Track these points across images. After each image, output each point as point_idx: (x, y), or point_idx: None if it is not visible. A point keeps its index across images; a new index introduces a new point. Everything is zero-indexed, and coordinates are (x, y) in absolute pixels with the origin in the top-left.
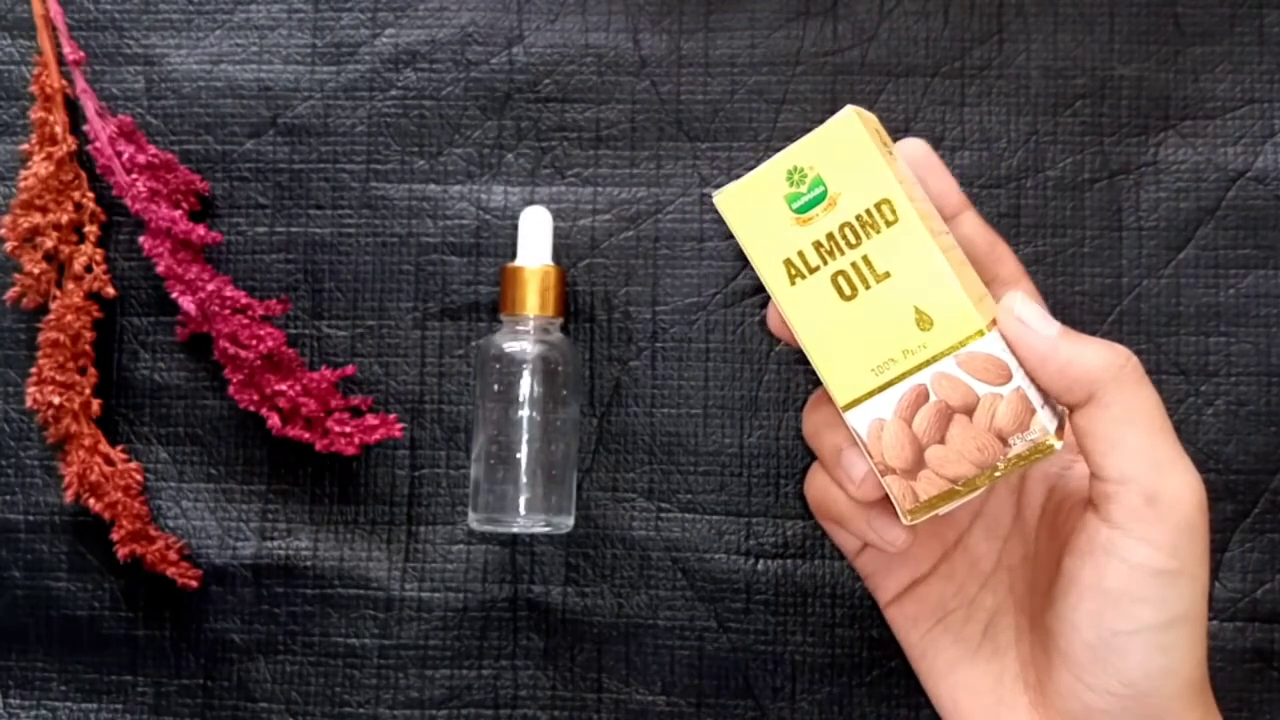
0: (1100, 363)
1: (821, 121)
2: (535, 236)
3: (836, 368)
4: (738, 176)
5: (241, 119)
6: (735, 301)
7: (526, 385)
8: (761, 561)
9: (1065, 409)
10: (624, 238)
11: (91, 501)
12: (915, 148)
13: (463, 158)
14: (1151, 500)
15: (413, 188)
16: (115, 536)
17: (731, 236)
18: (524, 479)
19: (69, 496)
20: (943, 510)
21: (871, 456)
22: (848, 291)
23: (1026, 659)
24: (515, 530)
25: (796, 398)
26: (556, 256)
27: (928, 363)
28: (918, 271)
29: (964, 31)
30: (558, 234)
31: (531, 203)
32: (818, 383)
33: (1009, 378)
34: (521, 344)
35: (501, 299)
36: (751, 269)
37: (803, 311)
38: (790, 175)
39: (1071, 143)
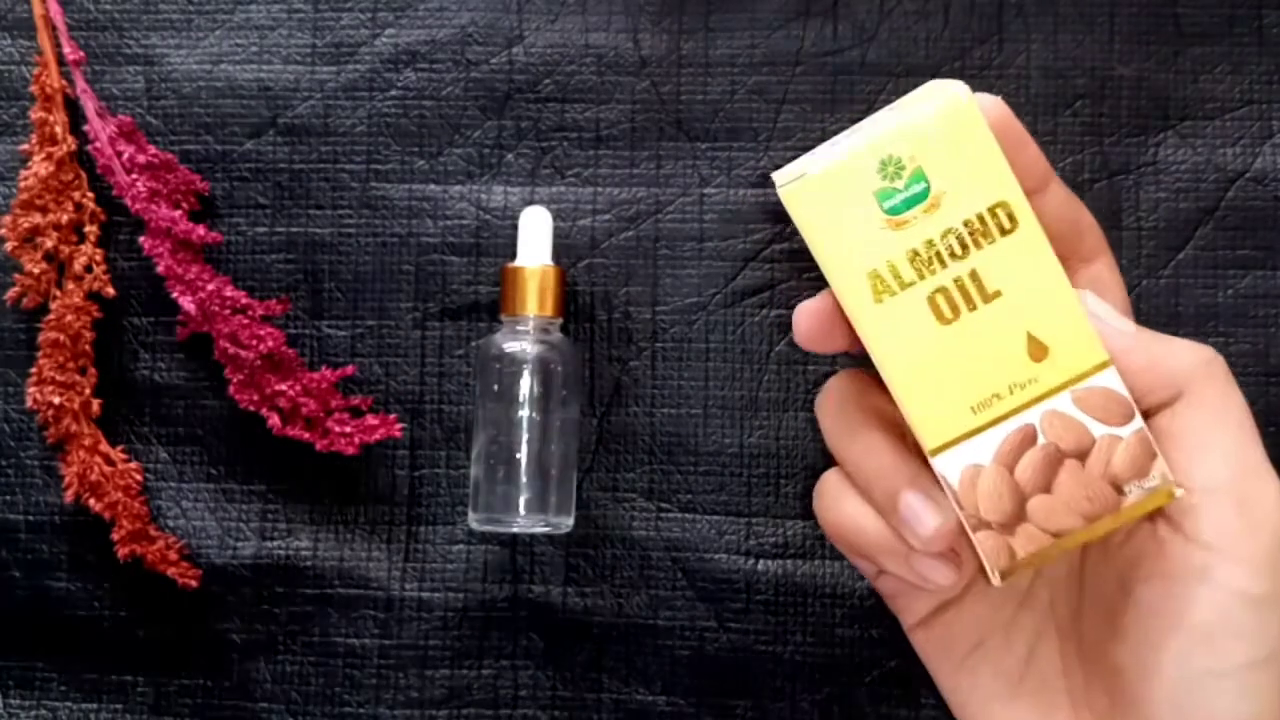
0: (1190, 357)
1: (822, 123)
2: (535, 236)
3: (927, 405)
4: (738, 176)
5: (241, 119)
6: (735, 301)
7: (526, 385)
8: (761, 561)
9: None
10: (624, 238)
11: (91, 501)
12: (990, 109)
13: (463, 158)
14: (1243, 509)
15: (413, 188)
16: (115, 536)
17: (731, 238)
18: (524, 479)
19: (69, 496)
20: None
21: (962, 508)
22: (947, 313)
23: (1080, 698)
24: (515, 530)
25: (796, 398)
26: (556, 256)
27: (1039, 399)
28: (1036, 291)
29: (964, 32)
30: (558, 234)
31: (531, 203)
32: (820, 381)
33: (1130, 417)
34: (521, 344)
35: (501, 299)
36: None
37: (889, 336)
38: (884, 166)
39: (1071, 143)
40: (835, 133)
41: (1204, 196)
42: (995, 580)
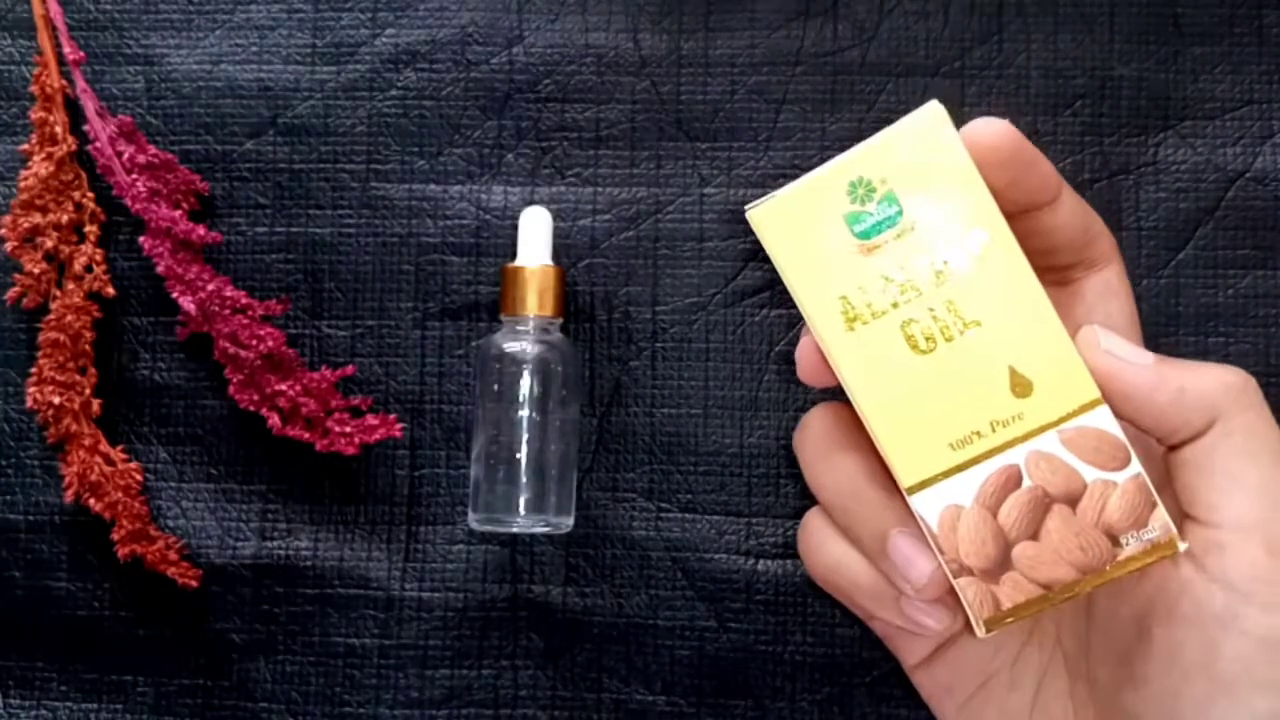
0: (1220, 385)
1: (822, 123)
2: (535, 236)
3: (903, 440)
4: (738, 176)
5: (241, 119)
6: (735, 301)
7: (526, 385)
8: (762, 561)
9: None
10: (624, 238)
11: (91, 501)
12: (1000, 135)
13: (463, 158)
14: (1274, 551)
15: (413, 188)
16: (115, 536)
17: (731, 238)
18: (524, 479)
19: (69, 496)
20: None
21: (943, 552)
22: (923, 343)
23: None
24: (515, 530)
25: (797, 398)
26: (556, 256)
27: (1023, 438)
28: (1017, 321)
29: (964, 31)
30: (558, 234)
31: (531, 203)
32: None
33: (1126, 461)
34: (521, 344)
35: (501, 299)
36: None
37: (861, 366)
38: (854, 189)
39: (1071, 143)
40: (835, 133)
41: (1204, 196)
42: (980, 631)
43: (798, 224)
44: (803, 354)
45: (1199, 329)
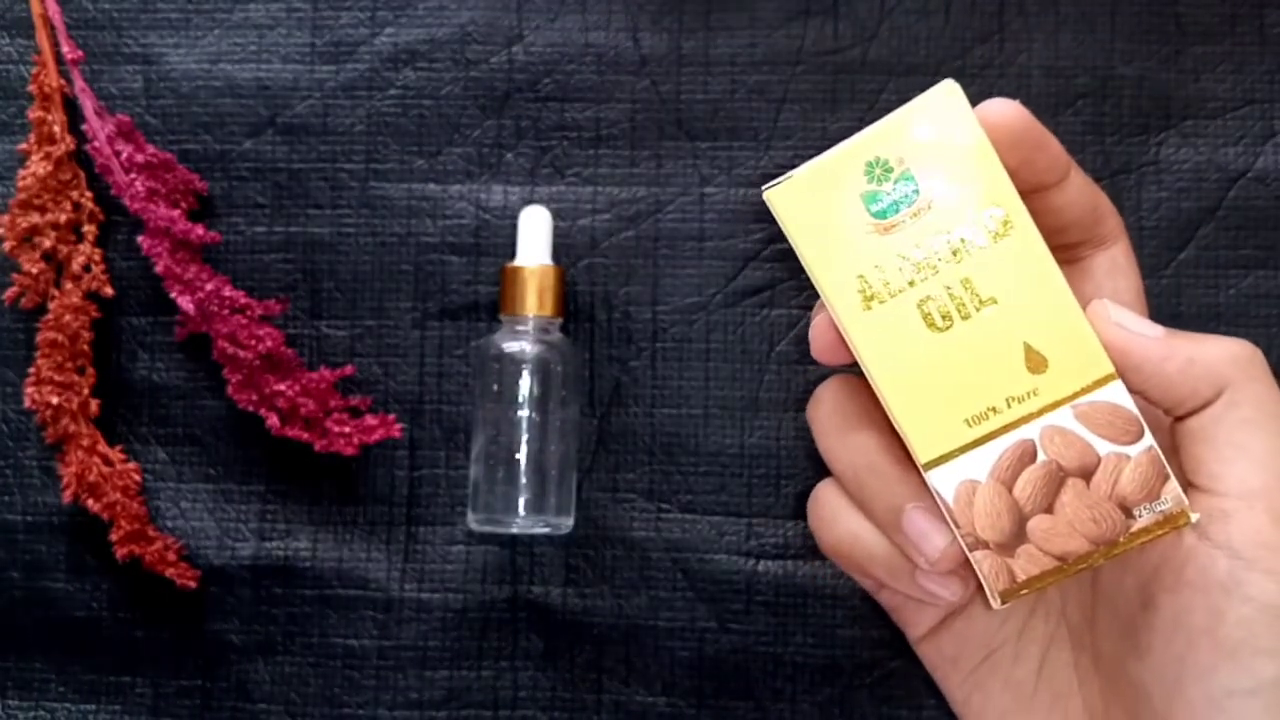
0: (1228, 356)
1: (822, 123)
2: (535, 236)
3: (920, 416)
4: (738, 175)
5: (240, 118)
6: (735, 301)
7: (526, 386)
8: (762, 562)
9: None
10: (624, 238)
11: (90, 502)
12: (1011, 115)
13: (462, 157)
14: (1279, 518)
15: (412, 187)
16: (114, 537)
17: (731, 238)
18: (523, 480)
19: (67, 497)
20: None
21: (958, 526)
22: (939, 321)
23: (1098, 712)
24: (515, 531)
25: (798, 398)
26: (556, 256)
27: (1038, 413)
28: (1033, 299)
29: (965, 30)
30: (558, 234)
31: (531, 202)
32: (821, 381)
33: (1139, 435)
34: (521, 344)
35: (501, 299)
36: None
37: (878, 344)
38: (871, 168)
39: (1073, 142)
40: (836, 132)
41: (1206, 196)
42: (995, 603)
43: (814, 204)
44: (818, 332)
45: (1200, 329)
